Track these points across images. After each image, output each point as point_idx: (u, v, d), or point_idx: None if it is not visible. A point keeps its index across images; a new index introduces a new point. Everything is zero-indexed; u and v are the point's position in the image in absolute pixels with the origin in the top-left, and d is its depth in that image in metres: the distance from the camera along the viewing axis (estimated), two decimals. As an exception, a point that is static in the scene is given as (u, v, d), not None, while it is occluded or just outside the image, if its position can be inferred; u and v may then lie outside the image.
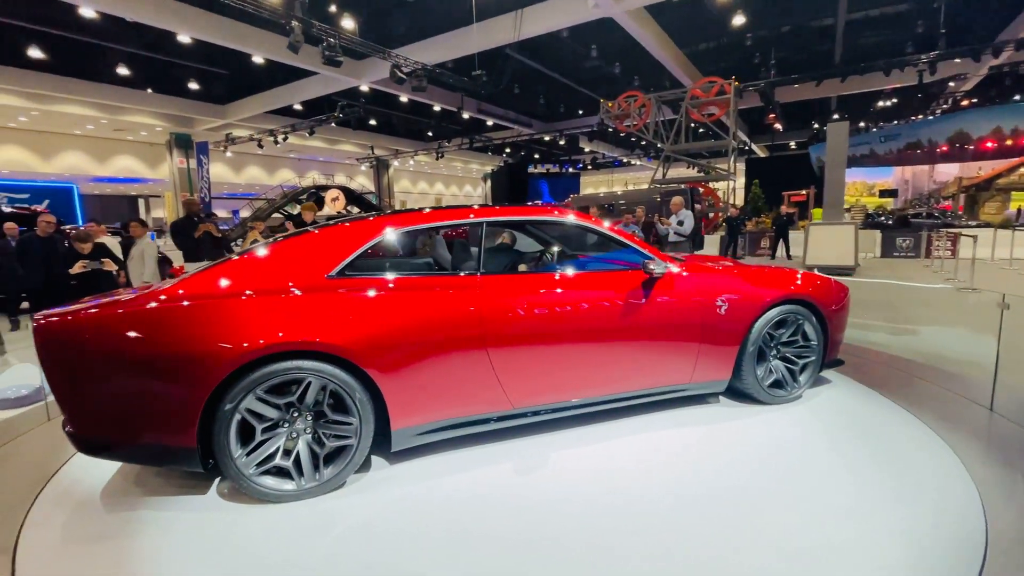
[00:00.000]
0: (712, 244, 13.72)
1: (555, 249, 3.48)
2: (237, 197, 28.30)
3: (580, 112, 25.27)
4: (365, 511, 2.13)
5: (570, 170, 29.19)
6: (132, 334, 2.00)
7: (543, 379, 2.63)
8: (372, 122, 24.68)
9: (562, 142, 24.64)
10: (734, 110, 14.54)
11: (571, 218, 2.97)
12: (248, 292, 2.17)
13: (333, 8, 13.40)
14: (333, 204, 25.49)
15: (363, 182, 29.87)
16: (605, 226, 3.03)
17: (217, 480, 2.35)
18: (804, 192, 19.84)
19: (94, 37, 14.74)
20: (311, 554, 1.87)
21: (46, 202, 17.49)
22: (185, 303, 2.08)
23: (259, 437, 2.13)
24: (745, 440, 2.75)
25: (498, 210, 2.82)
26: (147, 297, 2.13)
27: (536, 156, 29.13)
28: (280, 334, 2.09)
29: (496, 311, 2.48)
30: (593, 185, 33.97)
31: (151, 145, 23.15)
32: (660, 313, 2.83)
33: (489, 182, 29.69)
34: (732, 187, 16.18)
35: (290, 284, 2.25)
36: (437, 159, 26.24)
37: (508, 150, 28.62)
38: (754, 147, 28.81)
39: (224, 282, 2.21)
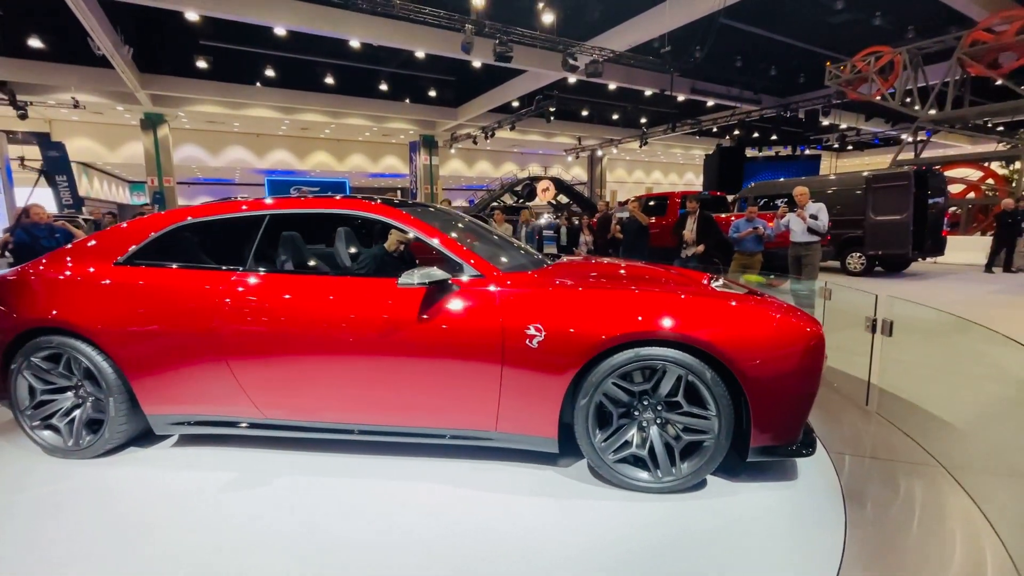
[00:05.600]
0: (968, 248, 9.62)
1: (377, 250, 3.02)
2: (472, 188, 32.33)
3: (833, 80, 20.47)
4: (83, 479, 2.38)
5: (806, 151, 23.76)
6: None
7: (289, 392, 2.42)
8: (584, 112, 24.88)
9: (800, 116, 20.41)
10: (1049, 53, 9.74)
11: (371, 213, 2.58)
12: (57, 273, 2.61)
13: (540, 4, 13.92)
14: (544, 194, 26.89)
15: (578, 172, 30.47)
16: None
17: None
18: None
19: (366, 63, 18.75)
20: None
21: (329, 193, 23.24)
22: (11, 278, 2.65)
23: (40, 397, 2.57)
24: (478, 528, 2.02)
25: (284, 203, 2.65)
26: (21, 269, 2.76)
27: (773, 137, 24.78)
28: (41, 311, 2.47)
29: (241, 311, 2.38)
30: (844, 168, 27.16)
31: (406, 146, 28.18)
32: (437, 336, 2.26)
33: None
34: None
35: (87, 267, 2.59)
36: (640, 147, 24.83)
37: (737, 131, 25.17)
38: None
39: (49, 262, 2.69)
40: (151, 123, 20.24)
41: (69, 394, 2.59)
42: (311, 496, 2.23)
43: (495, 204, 24.00)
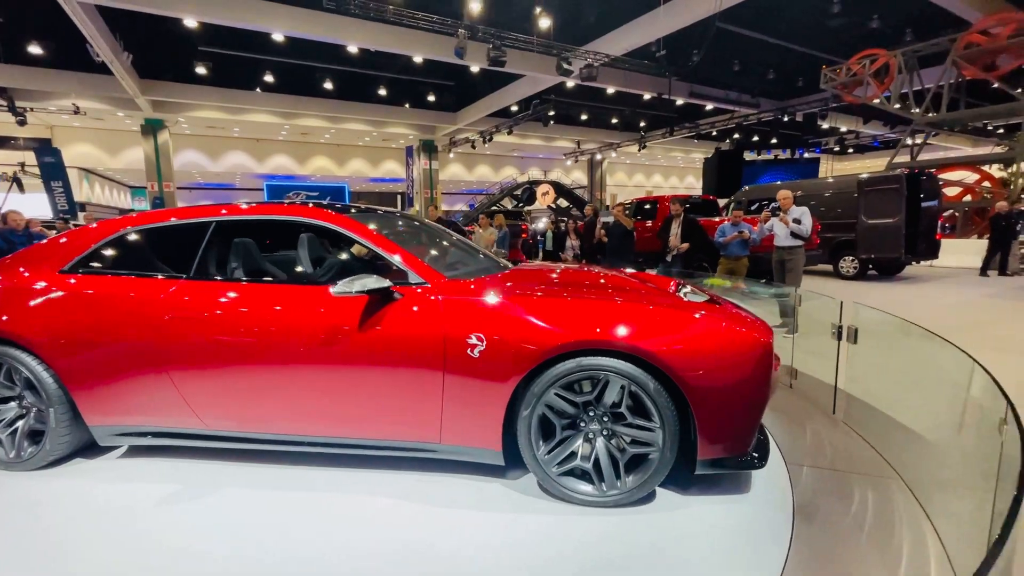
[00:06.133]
0: (964, 251, 9.50)
1: (340, 258, 2.88)
2: (472, 193, 32.37)
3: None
4: (18, 492, 2.35)
5: (805, 155, 23.66)
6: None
7: (227, 402, 2.37)
8: (583, 116, 24.84)
9: (799, 119, 20.31)
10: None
11: (319, 220, 2.54)
12: (2, 281, 2.58)
13: (537, 10, 13.93)
14: (543, 198, 26.87)
15: (579, 176, 30.43)
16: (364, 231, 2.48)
17: None
18: None
19: (365, 68, 18.80)
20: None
21: (328, 199, 23.32)
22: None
23: (-16, 406, 2.54)
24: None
25: (234, 209, 2.62)
26: None
27: (772, 140, 24.70)
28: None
29: (179, 321, 2.34)
30: (843, 171, 26.99)
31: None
32: (378, 345, 2.21)
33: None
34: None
35: (31, 275, 2.56)
36: (639, 150, 24.79)
37: (736, 135, 25.10)
38: None
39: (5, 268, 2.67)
40: (151, 129, 20.37)
41: (12, 404, 2.56)
42: (250, 511, 2.18)
43: (495, 208, 24.01)
